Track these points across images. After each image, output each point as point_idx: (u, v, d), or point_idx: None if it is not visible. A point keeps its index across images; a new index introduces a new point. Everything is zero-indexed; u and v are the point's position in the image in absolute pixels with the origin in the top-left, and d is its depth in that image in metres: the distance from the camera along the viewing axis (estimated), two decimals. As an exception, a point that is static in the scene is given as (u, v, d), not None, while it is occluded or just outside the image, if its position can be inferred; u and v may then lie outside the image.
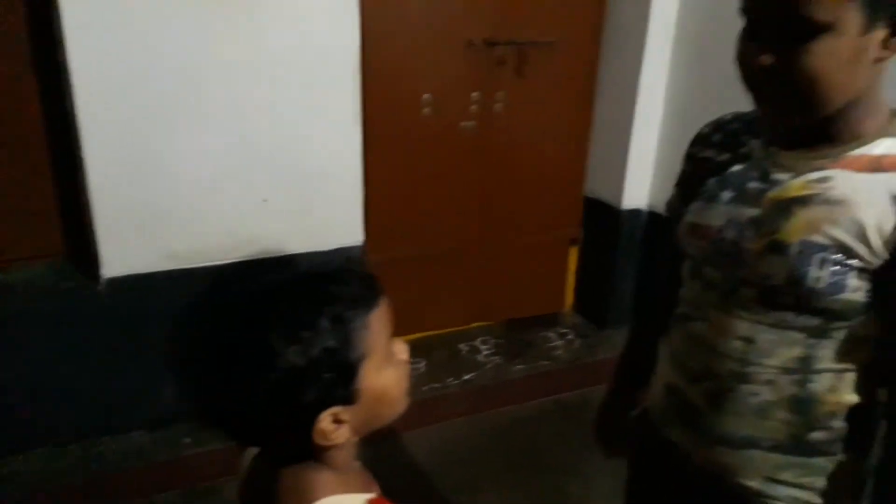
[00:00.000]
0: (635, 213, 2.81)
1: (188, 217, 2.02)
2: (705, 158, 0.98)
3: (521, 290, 2.94)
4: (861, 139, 0.81)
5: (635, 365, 1.19)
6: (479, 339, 2.85)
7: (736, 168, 0.92)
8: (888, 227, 0.77)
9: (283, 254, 2.18)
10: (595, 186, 2.91)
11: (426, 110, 2.48)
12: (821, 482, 0.90)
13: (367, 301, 0.70)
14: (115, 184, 1.91)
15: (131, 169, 1.92)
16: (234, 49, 1.92)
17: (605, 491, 2.10)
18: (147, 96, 1.87)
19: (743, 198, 0.89)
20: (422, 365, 2.62)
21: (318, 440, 0.67)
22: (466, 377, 2.59)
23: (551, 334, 2.93)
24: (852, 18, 0.72)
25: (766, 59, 0.77)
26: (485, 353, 2.77)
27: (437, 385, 2.52)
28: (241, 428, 0.70)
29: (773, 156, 0.87)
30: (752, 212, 0.87)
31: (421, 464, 2.16)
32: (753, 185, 0.88)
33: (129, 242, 1.98)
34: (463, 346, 2.79)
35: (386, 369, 0.72)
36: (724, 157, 0.94)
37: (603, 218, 2.87)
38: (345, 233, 2.27)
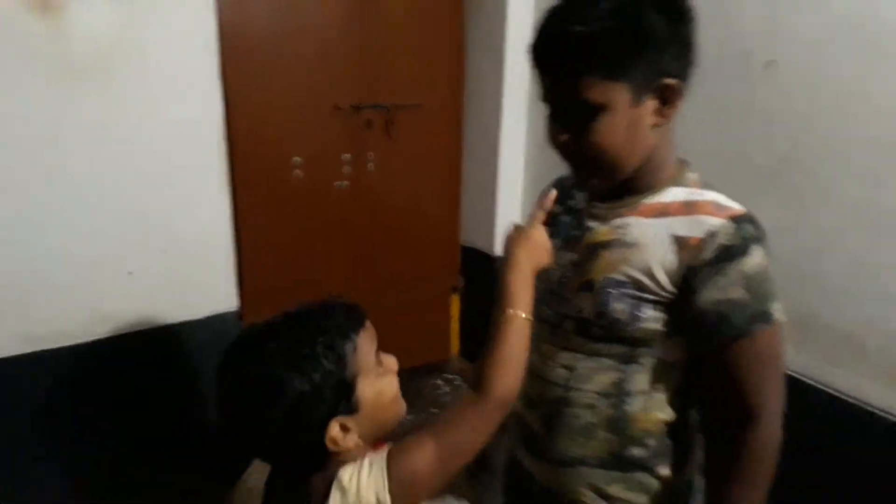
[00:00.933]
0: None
1: (46, 294, 1.94)
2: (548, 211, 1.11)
3: (407, 342, 2.98)
4: (654, 189, 0.95)
5: None
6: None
7: (564, 218, 1.05)
8: (670, 264, 0.89)
9: (152, 325, 2.13)
10: (470, 236, 3.06)
11: (297, 172, 2.54)
12: (643, 497, 1.00)
13: (352, 326, 0.84)
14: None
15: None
16: (89, 120, 1.90)
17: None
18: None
19: (566, 244, 1.02)
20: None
21: (331, 447, 0.81)
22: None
23: (439, 381, 2.99)
24: (622, 96, 0.85)
25: (563, 137, 0.92)
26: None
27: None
28: (268, 449, 0.83)
29: (590, 207, 1.00)
30: (572, 256, 1.00)
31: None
32: (574, 232, 1.02)
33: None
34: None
35: (378, 379, 0.85)
36: (558, 209, 1.07)
37: (480, 265, 3.01)
38: (218, 300, 2.25)
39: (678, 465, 1.01)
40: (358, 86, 2.60)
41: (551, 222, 1.06)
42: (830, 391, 1.70)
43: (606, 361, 0.96)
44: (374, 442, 0.86)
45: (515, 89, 2.74)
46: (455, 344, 3.23)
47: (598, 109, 0.86)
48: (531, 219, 0.98)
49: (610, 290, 0.92)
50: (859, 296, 1.62)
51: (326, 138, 2.59)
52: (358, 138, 2.66)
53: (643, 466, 1.00)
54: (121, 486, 2.20)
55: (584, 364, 0.98)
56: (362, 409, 0.83)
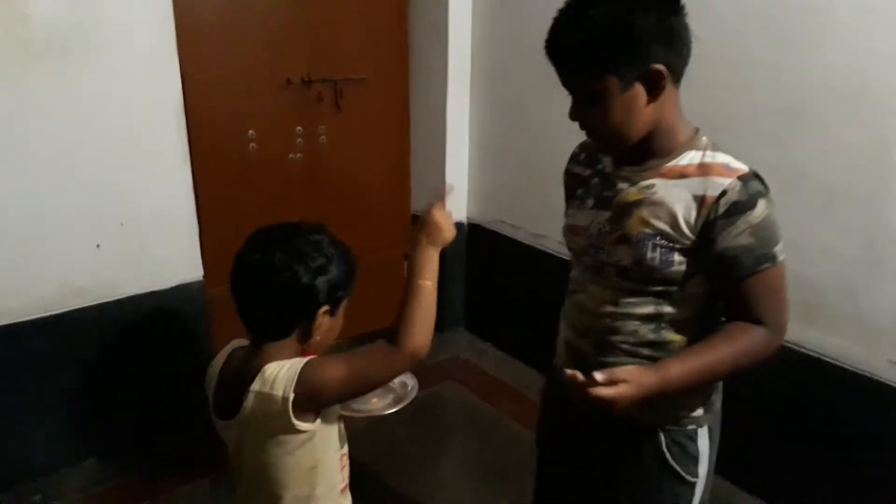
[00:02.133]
0: (456, 226, 3.11)
1: (15, 268, 1.99)
2: (576, 174, 1.28)
3: (363, 308, 3.10)
4: (672, 154, 1.12)
5: None
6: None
7: (595, 181, 1.23)
8: (692, 218, 1.08)
9: (121, 296, 2.20)
10: (420, 204, 3.20)
11: (253, 146, 2.62)
12: (680, 401, 1.18)
13: (355, 270, 1.15)
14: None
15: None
16: (49, 99, 1.94)
17: (454, 479, 2.34)
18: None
19: (600, 203, 1.19)
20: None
21: (312, 329, 1.08)
22: (319, 395, 2.72)
23: (395, 344, 3.14)
24: (614, 85, 1.04)
25: (578, 116, 1.11)
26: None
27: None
28: (270, 306, 1.07)
29: (617, 171, 1.18)
30: (607, 214, 1.17)
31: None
32: (606, 193, 1.19)
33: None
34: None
35: (342, 315, 1.14)
36: (587, 172, 1.25)
37: (430, 233, 3.16)
38: (183, 270, 2.32)
39: None
40: (308, 60, 2.68)
41: (582, 184, 1.24)
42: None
43: (644, 297, 1.14)
44: (304, 352, 1.10)
45: (459, 63, 2.88)
46: (408, 308, 3.38)
47: (597, 96, 1.05)
48: (430, 206, 1.18)
49: (645, 241, 1.10)
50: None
51: (279, 112, 2.67)
52: (310, 112, 2.75)
53: None
54: (91, 454, 2.28)
55: (625, 300, 1.16)
56: (332, 319, 1.11)
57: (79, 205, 2.06)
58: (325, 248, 1.09)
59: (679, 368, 1.07)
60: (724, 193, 1.05)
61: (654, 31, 1.02)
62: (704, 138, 1.14)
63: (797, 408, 2.00)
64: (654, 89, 1.06)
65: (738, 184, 1.05)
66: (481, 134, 2.99)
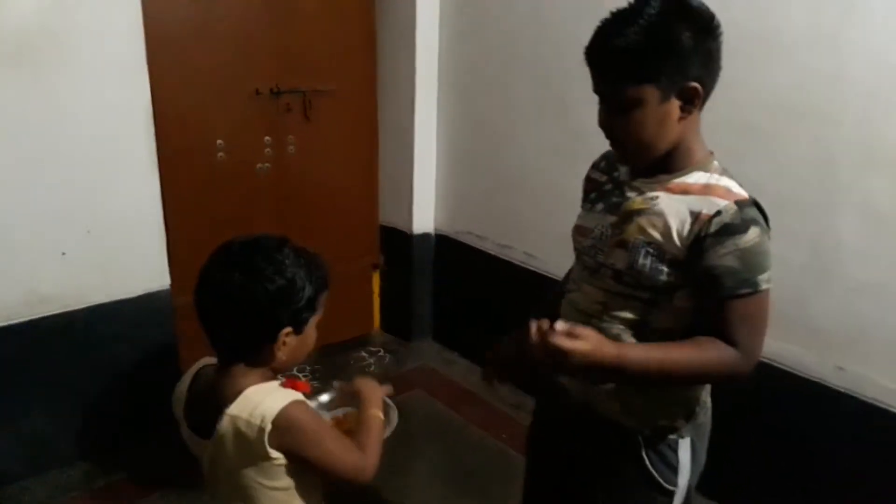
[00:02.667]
0: (424, 236, 3.17)
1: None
2: (594, 179, 1.33)
3: (331, 318, 3.11)
4: (682, 171, 1.16)
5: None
6: (296, 368, 3.00)
7: (608, 187, 1.27)
8: (684, 231, 1.12)
9: (87, 305, 2.18)
10: (388, 216, 3.24)
11: (221, 155, 2.63)
12: (659, 410, 1.22)
13: (327, 282, 1.14)
14: None
15: None
16: (20, 104, 1.93)
17: (423, 484, 2.36)
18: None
19: (608, 208, 1.23)
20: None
21: (276, 349, 1.08)
22: (286, 404, 2.73)
23: (364, 353, 3.17)
24: (652, 95, 1.07)
25: (607, 123, 1.14)
26: (302, 379, 2.92)
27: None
28: (230, 325, 1.07)
29: (630, 181, 1.23)
30: (612, 219, 1.21)
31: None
32: (616, 199, 1.23)
33: None
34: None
35: (313, 330, 1.13)
36: (604, 178, 1.29)
37: (398, 243, 3.20)
38: (150, 278, 2.31)
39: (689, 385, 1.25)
40: (277, 71, 2.71)
41: (597, 189, 1.29)
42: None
43: (632, 302, 1.17)
44: (283, 372, 1.14)
45: (427, 75, 2.93)
46: (377, 318, 3.41)
47: (633, 104, 1.08)
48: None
49: (639, 248, 1.14)
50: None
51: (248, 122, 2.69)
52: (278, 122, 2.77)
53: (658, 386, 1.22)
54: (56, 463, 2.24)
55: (615, 302, 1.19)
56: (300, 336, 1.11)
57: (44, 212, 2.05)
58: (286, 268, 1.06)
59: (639, 353, 1.09)
60: (718, 213, 1.08)
61: (696, 49, 1.06)
62: (716, 162, 1.18)
63: (749, 412, 2.08)
64: (689, 106, 1.10)
65: (733, 207, 1.09)
66: (449, 145, 3.04)
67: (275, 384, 1.09)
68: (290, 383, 1.12)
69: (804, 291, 1.93)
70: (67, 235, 2.11)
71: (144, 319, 2.31)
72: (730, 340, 1.10)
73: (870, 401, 1.84)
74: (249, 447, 1.03)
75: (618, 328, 1.19)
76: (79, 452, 2.27)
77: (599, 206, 1.25)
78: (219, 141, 2.61)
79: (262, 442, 1.02)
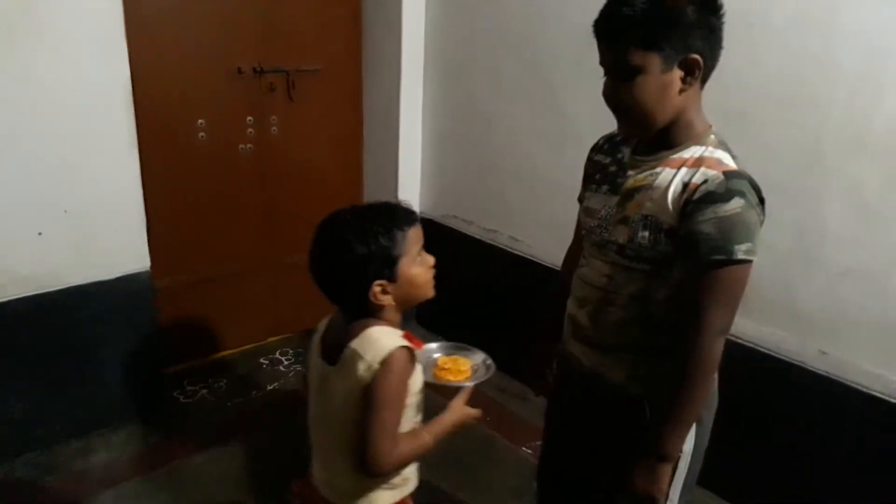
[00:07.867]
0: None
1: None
2: (597, 161, 1.36)
3: (314, 299, 3.10)
4: (680, 146, 1.20)
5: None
6: (279, 352, 2.98)
7: (613, 168, 1.30)
8: (678, 201, 1.15)
9: (65, 286, 2.14)
10: (373, 195, 3.19)
11: (202, 135, 2.58)
12: (661, 378, 1.24)
13: (407, 222, 1.18)
14: None
15: None
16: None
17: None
18: None
19: (612, 189, 1.28)
20: (223, 383, 2.68)
21: (372, 300, 1.16)
22: (270, 387, 2.71)
23: (347, 337, 3.14)
24: (655, 63, 1.11)
25: (611, 91, 1.18)
26: (286, 363, 2.90)
27: (239, 400, 2.61)
28: (332, 289, 1.19)
29: (632, 160, 1.26)
30: (616, 198, 1.26)
31: (238, 474, 2.23)
32: (619, 180, 1.27)
33: None
34: (263, 360, 2.90)
35: (415, 265, 1.19)
36: (607, 160, 1.33)
37: (382, 225, 3.17)
38: (129, 260, 2.27)
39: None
40: (259, 50, 2.65)
41: (601, 171, 1.32)
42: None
43: (636, 274, 1.23)
44: (402, 309, 1.22)
45: (413, 55, 2.89)
46: (360, 301, 3.38)
47: (636, 71, 1.12)
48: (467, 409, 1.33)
49: (639, 222, 1.19)
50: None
51: (230, 102, 2.64)
52: (261, 102, 2.72)
53: (662, 354, 1.24)
54: (31, 447, 2.21)
55: (620, 275, 1.25)
56: (399, 280, 1.17)
57: (21, 190, 2.00)
58: (348, 240, 1.15)
59: (671, 436, 1.21)
60: (704, 182, 1.12)
61: (699, 23, 1.11)
62: (713, 136, 1.21)
63: (733, 395, 2.09)
64: (689, 77, 1.13)
65: (720, 177, 1.12)
66: (434, 127, 3.01)
67: (393, 329, 1.19)
68: (408, 336, 1.19)
69: (789, 276, 1.94)
70: (44, 215, 2.06)
71: (124, 301, 2.27)
72: (697, 307, 1.13)
73: (851, 384, 1.86)
74: (358, 378, 1.14)
75: (623, 300, 1.24)
76: (54, 436, 2.24)
77: (604, 187, 1.30)
78: (200, 121, 2.56)
79: (367, 379, 1.13)
